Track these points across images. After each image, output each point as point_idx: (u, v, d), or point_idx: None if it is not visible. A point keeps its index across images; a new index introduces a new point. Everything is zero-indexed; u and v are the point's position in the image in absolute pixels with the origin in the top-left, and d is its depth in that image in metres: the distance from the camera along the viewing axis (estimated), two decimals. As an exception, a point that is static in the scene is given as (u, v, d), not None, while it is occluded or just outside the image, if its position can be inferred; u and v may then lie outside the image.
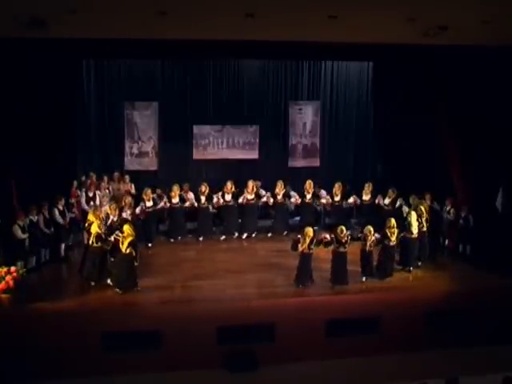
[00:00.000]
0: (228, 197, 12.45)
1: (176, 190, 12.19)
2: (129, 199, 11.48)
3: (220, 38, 9.96)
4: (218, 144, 14.93)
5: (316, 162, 15.49)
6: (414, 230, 10.09)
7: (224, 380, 8.18)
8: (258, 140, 15.05)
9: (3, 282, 8.43)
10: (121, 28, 9.02)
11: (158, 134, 14.61)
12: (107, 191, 12.65)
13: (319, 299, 8.97)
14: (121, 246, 8.99)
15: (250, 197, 12.50)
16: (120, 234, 9.11)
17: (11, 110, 10.19)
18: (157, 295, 8.99)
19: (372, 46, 10.75)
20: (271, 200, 12.58)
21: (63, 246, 10.98)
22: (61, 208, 10.90)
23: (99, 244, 9.30)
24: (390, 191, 12.18)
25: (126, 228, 9.00)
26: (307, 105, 15.39)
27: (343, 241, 9.43)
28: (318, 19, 8.45)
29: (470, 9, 7.87)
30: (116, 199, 11.96)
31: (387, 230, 9.67)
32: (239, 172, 14.65)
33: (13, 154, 10.39)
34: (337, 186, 12.66)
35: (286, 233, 12.66)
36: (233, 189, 12.52)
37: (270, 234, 12.73)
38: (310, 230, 9.36)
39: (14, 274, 8.58)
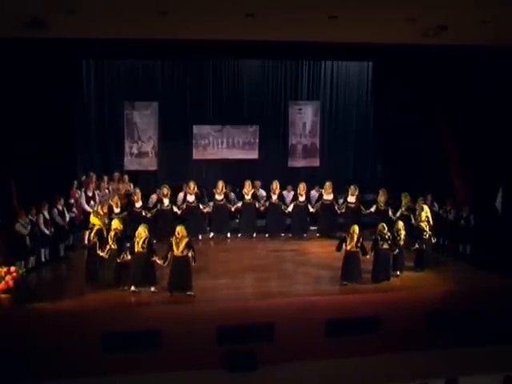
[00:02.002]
0: (219, 197, 12.32)
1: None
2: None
3: (220, 38, 9.95)
4: (217, 144, 14.94)
5: (316, 162, 15.50)
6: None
7: (224, 380, 8.17)
8: (257, 140, 15.07)
9: (3, 282, 8.43)
10: (121, 28, 9.02)
11: (158, 134, 14.62)
12: (107, 191, 12.66)
13: (319, 299, 8.95)
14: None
15: (248, 197, 12.46)
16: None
17: (11, 110, 10.18)
18: (157, 295, 8.97)
19: (372, 46, 10.75)
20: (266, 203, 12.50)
21: (63, 245, 10.98)
22: (60, 208, 10.90)
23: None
24: (381, 192, 12.19)
25: (179, 229, 8.90)
26: (307, 105, 15.40)
27: (386, 237, 9.51)
28: (318, 19, 8.45)
29: (469, 9, 7.87)
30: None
31: (379, 235, 9.57)
32: (239, 172, 14.66)
33: (13, 154, 10.38)
34: (327, 184, 12.55)
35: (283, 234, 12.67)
36: (224, 189, 12.40)
37: (267, 235, 12.67)
38: (356, 228, 9.43)
39: (14, 274, 8.57)
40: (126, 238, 9.55)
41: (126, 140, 14.51)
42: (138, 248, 8.94)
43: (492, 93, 10.83)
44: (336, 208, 12.44)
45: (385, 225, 9.72)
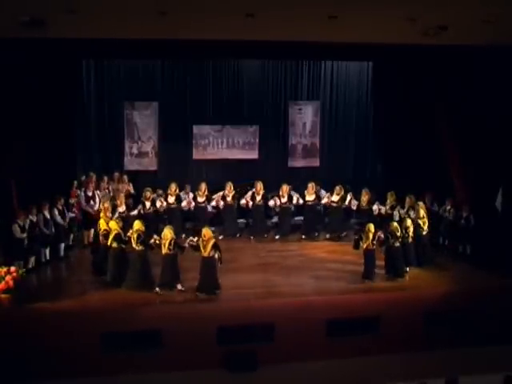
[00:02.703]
0: (201, 199, 12.23)
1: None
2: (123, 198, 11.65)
3: (220, 38, 9.95)
4: (217, 144, 14.94)
5: (316, 162, 15.50)
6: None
7: (224, 380, 8.17)
8: (257, 140, 15.07)
9: (3, 282, 8.42)
10: (121, 28, 9.01)
11: (158, 134, 14.62)
12: (107, 191, 12.66)
13: (319, 299, 8.96)
14: (163, 247, 9.00)
15: (229, 199, 12.34)
16: (157, 237, 9.20)
17: (11, 110, 10.18)
18: (157, 295, 8.98)
19: (372, 46, 10.74)
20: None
21: (63, 245, 10.98)
22: (60, 208, 10.90)
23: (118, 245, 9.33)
24: (364, 192, 12.21)
25: (205, 231, 9.00)
26: (307, 105, 15.40)
27: (398, 235, 9.71)
28: (318, 19, 8.45)
29: (470, 9, 7.86)
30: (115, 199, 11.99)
31: (389, 232, 9.74)
32: (239, 172, 14.66)
33: (13, 154, 10.38)
34: (310, 185, 12.51)
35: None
36: (206, 192, 12.34)
37: (265, 235, 12.58)
38: (371, 226, 9.61)
39: (14, 274, 8.56)
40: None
41: (126, 140, 14.50)
42: (164, 250, 8.97)
43: (492, 93, 10.82)
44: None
45: (396, 223, 9.92)
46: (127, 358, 8.21)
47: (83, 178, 12.84)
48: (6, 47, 9.64)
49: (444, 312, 9.05)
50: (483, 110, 10.91)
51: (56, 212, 10.77)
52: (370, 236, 9.54)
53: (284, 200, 12.39)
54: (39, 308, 8.30)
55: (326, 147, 15.58)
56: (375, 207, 11.94)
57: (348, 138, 15.69)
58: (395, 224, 9.94)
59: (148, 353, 8.28)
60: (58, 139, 11.58)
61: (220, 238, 11.72)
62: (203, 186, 12.36)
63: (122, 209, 11.29)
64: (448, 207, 11.60)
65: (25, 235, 9.78)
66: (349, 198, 12.41)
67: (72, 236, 11.52)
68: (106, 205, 10.58)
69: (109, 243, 9.42)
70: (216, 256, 8.97)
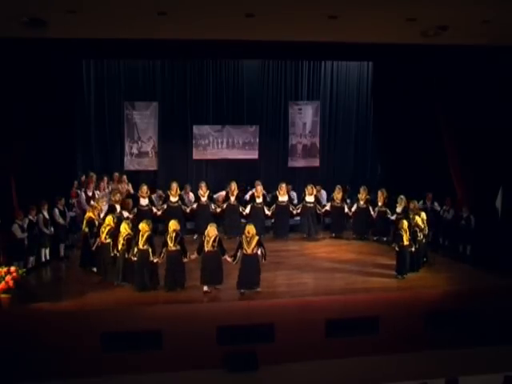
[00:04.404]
0: (174, 199, 12.08)
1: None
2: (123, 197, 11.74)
3: (220, 38, 9.95)
4: (217, 144, 14.95)
5: (316, 162, 15.51)
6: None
7: (224, 380, 8.17)
8: (257, 140, 15.08)
9: (3, 282, 8.41)
10: (121, 28, 9.02)
11: (158, 134, 14.63)
12: (106, 191, 12.67)
13: (319, 299, 8.96)
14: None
15: (204, 199, 12.24)
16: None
17: (11, 110, 10.17)
18: (157, 295, 8.99)
19: (372, 45, 10.74)
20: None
21: (63, 245, 10.98)
22: (61, 208, 10.91)
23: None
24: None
25: (249, 228, 9.06)
26: (307, 105, 15.41)
27: (409, 233, 9.97)
28: (318, 19, 8.45)
29: (469, 9, 7.87)
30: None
31: (399, 231, 9.85)
32: (239, 172, 14.67)
33: (13, 154, 10.38)
34: (283, 186, 12.43)
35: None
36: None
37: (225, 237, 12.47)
38: (405, 224, 9.86)
39: (14, 274, 8.56)
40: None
41: (126, 140, 14.52)
42: (208, 247, 8.99)
43: (492, 93, 10.82)
44: (291, 209, 12.46)
45: (406, 221, 9.98)
46: (127, 358, 8.21)
47: (83, 177, 12.86)
48: (6, 47, 9.64)
49: (444, 312, 9.05)
50: (483, 110, 10.91)
51: (57, 212, 10.78)
52: (408, 233, 9.79)
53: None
54: (39, 308, 8.30)
55: (325, 147, 15.60)
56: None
57: (348, 138, 15.71)
58: (406, 223, 9.96)
59: (148, 353, 8.28)
60: (58, 139, 11.57)
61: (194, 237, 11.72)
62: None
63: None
64: (448, 207, 11.60)
65: (25, 235, 9.80)
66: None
67: (72, 236, 11.51)
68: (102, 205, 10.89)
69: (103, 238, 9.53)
70: (259, 253, 9.04)
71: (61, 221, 10.83)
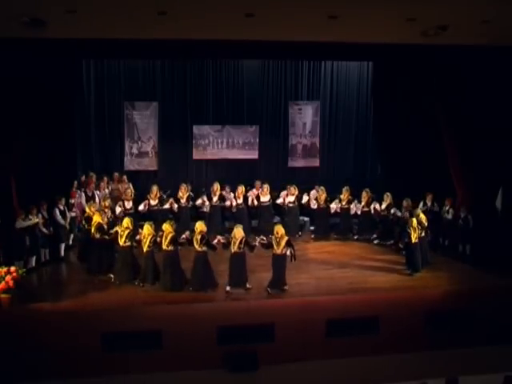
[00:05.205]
0: (153, 202, 11.96)
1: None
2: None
3: (220, 38, 9.95)
4: (217, 144, 14.95)
5: (316, 162, 15.52)
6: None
7: (224, 380, 8.17)
8: (257, 140, 15.09)
9: (3, 282, 8.41)
10: (121, 28, 9.02)
11: (158, 134, 14.64)
12: (106, 191, 12.67)
13: (319, 299, 8.96)
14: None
15: (183, 201, 12.17)
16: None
17: (11, 110, 10.17)
18: (157, 295, 8.99)
19: (372, 45, 10.74)
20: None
21: (63, 246, 10.98)
22: (62, 208, 10.91)
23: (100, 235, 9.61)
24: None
25: (278, 229, 9.18)
26: (307, 105, 15.41)
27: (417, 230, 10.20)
28: (318, 19, 8.45)
29: (469, 9, 7.87)
30: (115, 199, 12.03)
31: (407, 229, 10.02)
32: (239, 172, 14.67)
33: (13, 154, 10.38)
34: (265, 186, 12.57)
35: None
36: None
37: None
38: (414, 221, 10.04)
39: (14, 274, 8.55)
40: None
41: (126, 140, 14.52)
42: (234, 249, 9.05)
43: (492, 93, 10.82)
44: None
45: (415, 220, 10.12)
46: (127, 357, 8.21)
47: (83, 177, 12.86)
48: (6, 47, 9.64)
49: (444, 312, 9.05)
50: (483, 109, 10.90)
51: (57, 212, 10.78)
52: (417, 230, 9.96)
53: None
54: (39, 308, 8.30)
55: (325, 147, 15.60)
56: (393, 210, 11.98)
57: (348, 138, 15.70)
58: (415, 220, 10.10)
59: (148, 353, 8.28)
60: (58, 139, 11.58)
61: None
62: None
63: (128, 205, 11.52)
64: (447, 207, 11.60)
65: (28, 223, 9.85)
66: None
67: (72, 236, 11.51)
68: (106, 203, 10.94)
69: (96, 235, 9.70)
70: (288, 253, 9.09)
71: (61, 221, 10.83)
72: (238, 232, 9.12)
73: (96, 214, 10.07)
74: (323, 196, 12.45)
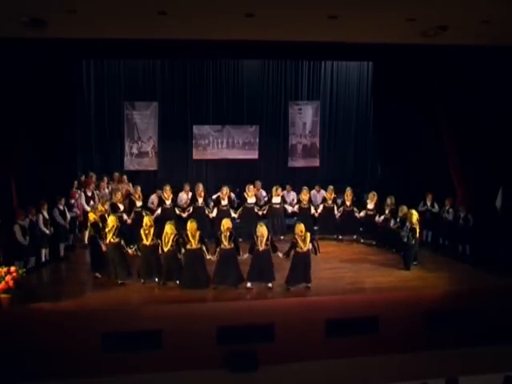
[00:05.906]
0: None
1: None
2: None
3: (220, 38, 9.96)
4: (217, 144, 14.96)
5: (316, 162, 15.53)
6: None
7: (224, 380, 8.17)
8: (257, 140, 15.10)
9: (3, 282, 8.40)
10: (121, 28, 9.01)
11: (158, 134, 14.65)
12: (106, 191, 12.67)
13: (319, 299, 8.96)
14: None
15: (168, 202, 12.03)
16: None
17: (11, 110, 10.18)
18: (157, 295, 8.99)
19: (372, 45, 10.74)
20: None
21: (63, 246, 10.98)
22: (62, 208, 10.91)
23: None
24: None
25: (301, 227, 9.23)
26: (307, 105, 15.42)
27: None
28: (318, 19, 8.45)
29: (470, 9, 7.87)
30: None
31: (414, 226, 10.15)
32: (239, 172, 14.68)
33: (13, 154, 10.38)
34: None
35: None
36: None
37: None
38: (415, 217, 10.25)
39: (14, 274, 8.54)
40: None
41: (126, 140, 14.54)
42: (262, 246, 9.15)
43: (492, 93, 10.82)
44: (256, 210, 12.40)
45: (415, 216, 10.22)
46: (127, 357, 8.21)
47: (83, 177, 12.86)
48: (6, 47, 9.64)
49: (443, 312, 9.05)
50: (483, 109, 10.91)
51: (57, 212, 10.78)
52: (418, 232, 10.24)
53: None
54: (39, 308, 8.30)
55: (325, 147, 15.61)
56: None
57: (348, 138, 15.72)
58: (415, 216, 10.23)
59: (148, 353, 8.28)
60: (58, 139, 11.58)
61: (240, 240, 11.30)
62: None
63: (139, 203, 11.73)
64: (447, 207, 11.60)
65: (26, 241, 9.73)
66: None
67: (72, 236, 11.51)
68: (106, 207, 10.93)
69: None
70: (311, 247, 9.20)
71: (61, 221, 10.83)
72: (264, 230, 9.18)
73: (111, 218, 9.66)
74: (307, 196, 12.42)
